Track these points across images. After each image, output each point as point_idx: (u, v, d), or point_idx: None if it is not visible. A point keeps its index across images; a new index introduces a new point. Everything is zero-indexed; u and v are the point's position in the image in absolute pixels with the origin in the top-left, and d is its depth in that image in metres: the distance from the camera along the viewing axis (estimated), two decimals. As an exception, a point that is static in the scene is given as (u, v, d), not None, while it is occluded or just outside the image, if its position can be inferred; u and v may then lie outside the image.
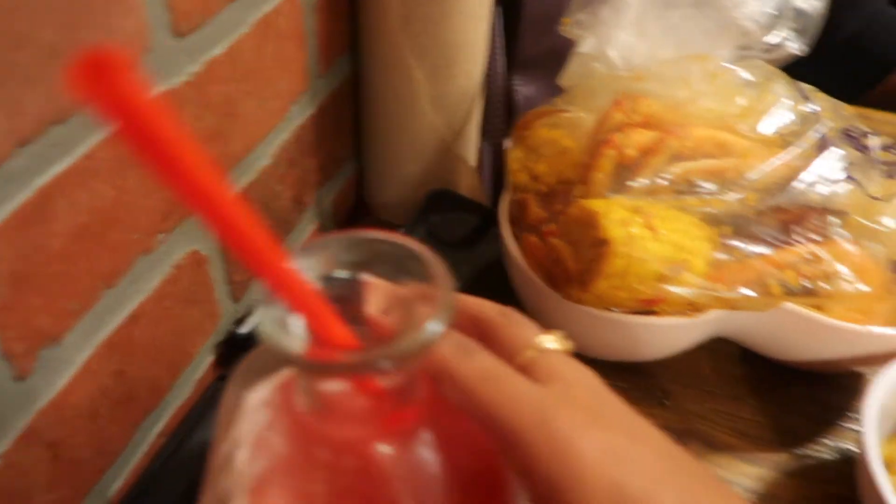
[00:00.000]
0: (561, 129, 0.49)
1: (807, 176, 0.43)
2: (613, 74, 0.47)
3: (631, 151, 0.44)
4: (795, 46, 0.44)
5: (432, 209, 0.62)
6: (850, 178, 0.43)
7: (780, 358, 0.50)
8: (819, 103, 0.47)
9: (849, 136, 0.44)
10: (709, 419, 0.50)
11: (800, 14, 0.43)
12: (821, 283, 0.43)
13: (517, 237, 0.49)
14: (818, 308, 0.45)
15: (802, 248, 0.42)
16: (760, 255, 0.43)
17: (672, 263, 0.42)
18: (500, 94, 0.59)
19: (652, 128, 0.46)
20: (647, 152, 0.45)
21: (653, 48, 0.48)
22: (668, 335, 0.46)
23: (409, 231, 0.59)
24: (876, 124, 0.50)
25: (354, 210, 0.67)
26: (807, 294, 0.44)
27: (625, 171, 0.45)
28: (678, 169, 0.45)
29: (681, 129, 0.45)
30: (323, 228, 0.62)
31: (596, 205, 0.43)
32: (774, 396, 0.52)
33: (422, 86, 0.55)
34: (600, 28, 0.49)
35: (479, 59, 0.57)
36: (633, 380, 0.52)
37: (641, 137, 0.45)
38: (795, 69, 0.46)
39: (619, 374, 0.52)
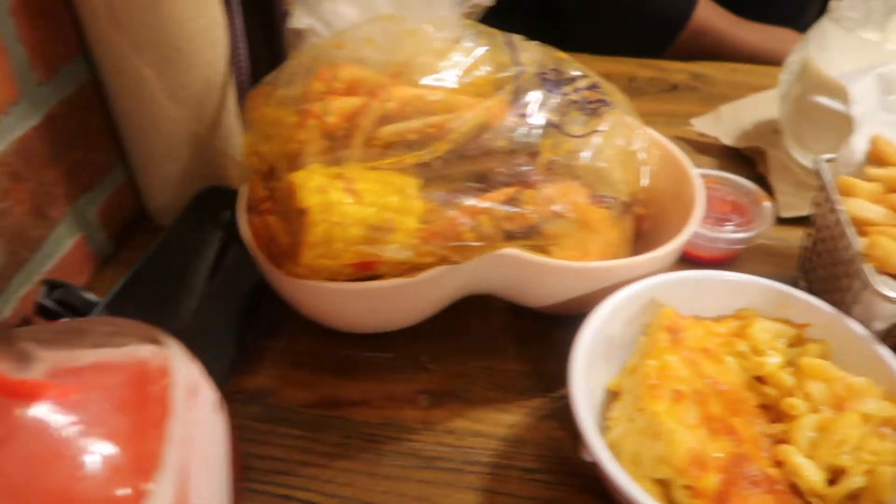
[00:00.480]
0: (285, 106, 0.48)
1: (505, 123, 0.44)
2: (320, 44, 0.47)
3: (333, 119, 0.44)
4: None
5: (202, 207, 0.61)
6: (549, 122, 0.44)
7: (529, 305, 0.50)
8: (526, 52, 0.48)
9: (545, 79, 0.45)
10: (471, 376, 0.50)
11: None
12: (533, 226, 0.44)
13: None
14: (540, 251, 0.46)
15: (501, 194, 0.43)
16: (465, 205, 0.43)
17: (377, 224, 0.42)
18: (248, 79, 0.58)
19: (356, 94, 0.46)
20: (352, 118, 0.45)
21: (366, 14, 0.48)
22: (399, 299, 0.45)
23: (175, 231, 0.58)
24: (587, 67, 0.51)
25: (134, 217, 0.65)
26: (523, 237, 0.44)
27: (336, 140, 0.45)
28: (388, 131, 0.45)
29: (383, 91, 0.45)
30: (90, 241, 0.59)
31: (296, 176, 0.43)
32: (536, 345, 0.52)
33: (152, 82, 0.53)
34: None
35: (220, 45, 0.56)
36: (398, 349, 0.52)
37: (344, 105, 0.45)
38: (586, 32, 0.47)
39: (384, 344, 0.52)
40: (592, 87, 0.48)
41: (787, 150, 0.68)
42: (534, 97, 0.44)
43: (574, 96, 0.47)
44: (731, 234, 0.56)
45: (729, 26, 0.92)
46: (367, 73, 0.46)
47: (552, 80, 0.45)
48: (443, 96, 0.46)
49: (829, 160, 0.51)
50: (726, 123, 0.74)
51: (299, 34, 0.49)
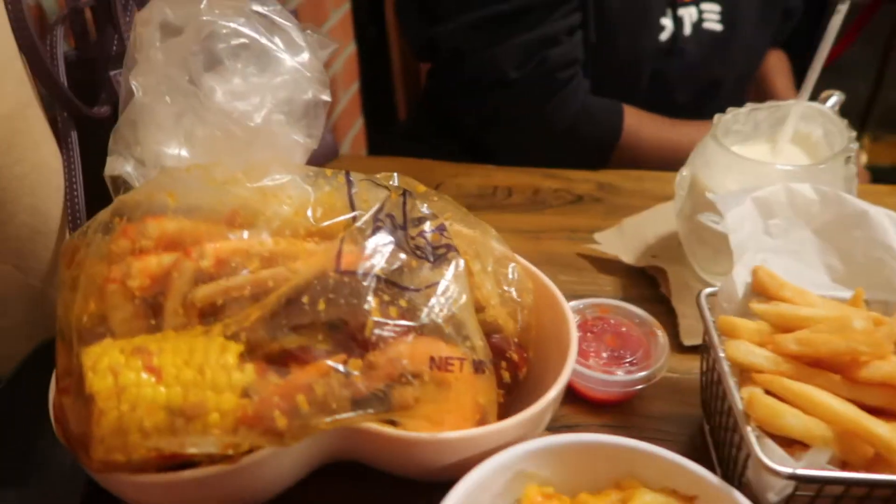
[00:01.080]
0: (93, 264, 0.42)
1: (329, 280, 0.39)
2: (126, 196, 0.42)
3: (137, 282, 0.39)
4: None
5: (42, 361, 0.54)
6: (381, 278, 0.39)
7: (390, 472, 0.44)
8: (371, 191, 0.43)
9: (380, 227, 0.40)
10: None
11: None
12: (375, 393, 0.38)
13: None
14: (391, 420, 0.40)
15: (333, 360, 0.37)
16: (286, 380, 0.37)
17: (183, 408, 0.36)
18: (83, 221, 0.52)
19: (169, 250, 0.40)
20: (162, 280, 0.39)
21: (192, 157, 0.44)
22: (220, 487, 0.39)
23: (10, 387, 0.51)
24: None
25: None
26: (364, 407, 0.38)
27: (147, 306, 0.40)
28: (203, 293, 0.40)
29: (197, 247, 0.40)
30: None
31: (87, 353, 0.37)
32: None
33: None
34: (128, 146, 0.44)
35: (46, 188, 0.50)
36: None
37: (149, 265, 0.39)
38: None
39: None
40: (439, 229, 0.43)
41: (690, 265, 0.64)
42: (370, 245, 0.40)
43: (419, 241, 0.42)
44: (625, 376, 0.50)
45: (657, 131, 0.91)
46: (181, 224, 0.41)
47: (390, 227, 0.40)
48: (267, 248, 0.41)
49: (710, 294, 0.47)
50: (629, 238, 0.70)
51: (117, 182, 0.44)
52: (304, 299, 0.37)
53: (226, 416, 0.37)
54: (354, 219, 0.41)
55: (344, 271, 0.38)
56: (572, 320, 0.47)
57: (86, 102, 0.53)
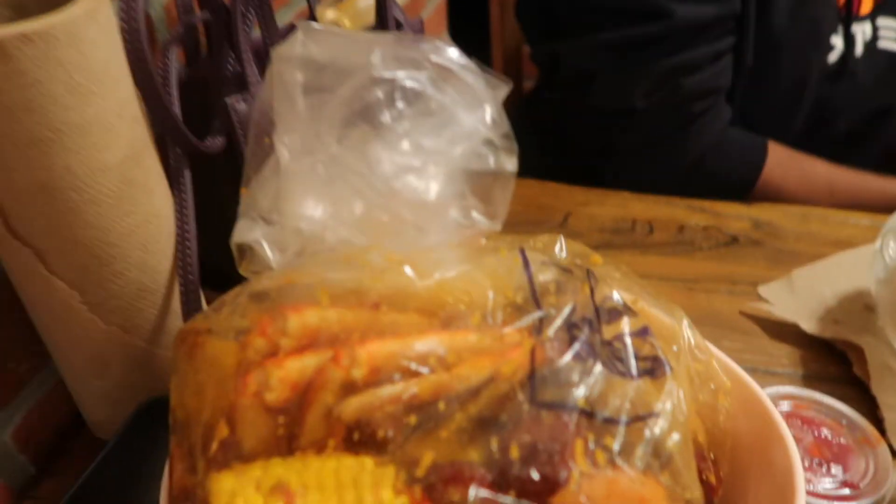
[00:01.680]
0: (219, 360, 0.35)
1: (519, 406, 0.30)
2: (262, 276, 0.34)
3: (275, 395, 0.31)
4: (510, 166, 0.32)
5: (146, 422, 0.48)
6: (581, 409, 0.30)
7: None
8: (545, 273, 0.35)
9: (576, 335, 0.32)
10: None
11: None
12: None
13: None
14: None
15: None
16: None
17: (333, 567, 0.29)
18: (197, 276, 0.45)
19: (313, 349, 0.33)
20: (305, 390, 0.32)
21: (339, 228, 0.36)
22: None
23: (115, 449, 0.46)
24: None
25: (65, 432, 0.52)
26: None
27: (284, 418, 0.32)
28: (353, 406, 0.32)
29: (346, 351, 0.32)
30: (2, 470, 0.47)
31: (218, 486, 0.30)
32: None
33: (66, 293, 0.41)
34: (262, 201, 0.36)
35: (159, 242, 0.44)
36: None
37: (290, 373, 0.32)
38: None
39: None
40: (642, 333, 0.34)
41: (889, 342, 0.53)
42: (568, 364, 0.31)
43: (616, 346, 0.33)
44: (835, 503, 0.41)
45: (807, 180, 0.79)
46: (328, 314, 0.33)
47: (587, 336, 0.32)
48: (437, 347, 0.33)
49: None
50: (802, 296, 0.60)
51: (246, 249, 0.36)
52: (493, 442, 0.29)
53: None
54: (542, 321, 0.33)
55: (542, 403, 0.29)
56: (791, 441, 0.37)
57: (195, 131, 0.46)
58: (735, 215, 0.71)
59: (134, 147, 0.40)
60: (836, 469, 0.43)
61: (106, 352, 0.45)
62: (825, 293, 0.60)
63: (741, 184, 0.80)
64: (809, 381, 0.52)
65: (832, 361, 0.54)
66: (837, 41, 0.78)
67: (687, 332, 0.40)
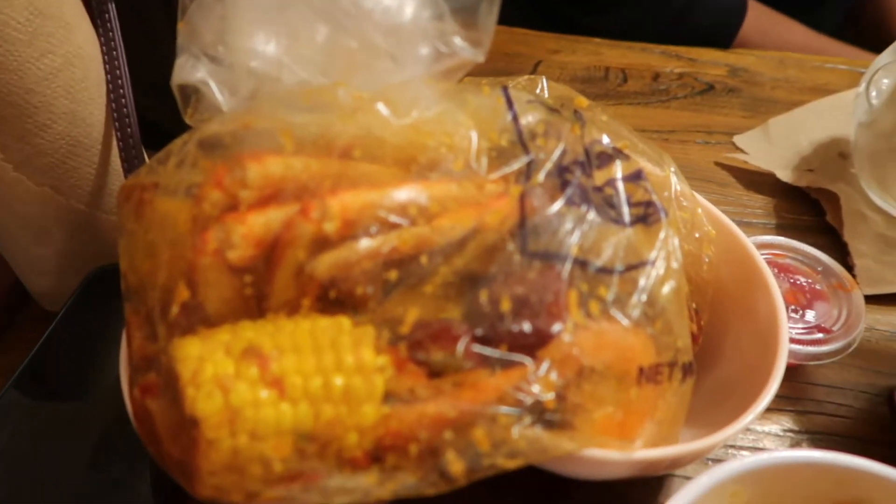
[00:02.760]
0: (189, 223, 0.31)
1: (509, 256, 0.28)
2: (212, 120, 0.30)
3: (238, 253, 0.28)
4: (470, 53, 0.28)
5: (95, 294, 0.45)
6: (575, 259, 0.28)
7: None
8: (531, 113, 0.31)
9: (567, 179, 0.29)
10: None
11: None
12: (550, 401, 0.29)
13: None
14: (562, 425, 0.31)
15: (517, 375, 0.27)
16: (457, 388, 0.28)
17: (313, 432, 0.27)
18: (136, 125, 0.40)
19: (277, 202, 0.29)
20: (271, 246, 0.29)
21: (297, 61, 0.31)
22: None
23: (65, 321, 0.43)
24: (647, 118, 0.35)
25: (9, 305, 0.48)
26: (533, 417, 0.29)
27: (248, 277, 0.29)
28: (326, 263, 0.29)
29: (317, 202, 0.28)
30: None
31: (184, 352, 0.27)
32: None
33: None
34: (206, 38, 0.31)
35: (88, 88, 0.38)
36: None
37: (253, 229, 0.28)
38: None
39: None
40: (634, 177, 0.31)
41: (863, 189, 0.52)
42: (560, 211, 0.28)
43: (607, 192, 0.31)
44: (814, 348, 0.41)
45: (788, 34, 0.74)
46: (288, 165, 0.29)
47: (579, 181, 0.29)
48: (418, 196, 0.30)
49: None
50: (779, 145, 0.58)
51: (190, 93, 0.32)
52: (483, 296, 0.27)
53: (366, 434, 0.28)
54: (529, 165, 0.30)
55: (533, 253, 0.27)
56: (776, 289, 0.37)
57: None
58: (711, 61, 0.67)
59: (43, -30, 0.33)
60: (810, 315, 0.43)
61: (41, 217, 0.40)
62: (801, 142, 0.58)
63: (719, 41, 0.76)
64: (784, 230, 0.52)
65: (806, 210, 0.54)
66: None
67: (674, 178, 0.38)
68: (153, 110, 0.41)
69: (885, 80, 0.49)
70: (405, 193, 0.30)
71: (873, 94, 0.50)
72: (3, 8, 0.32)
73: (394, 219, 0.29)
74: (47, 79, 0.35)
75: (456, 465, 0.26)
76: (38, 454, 0.37)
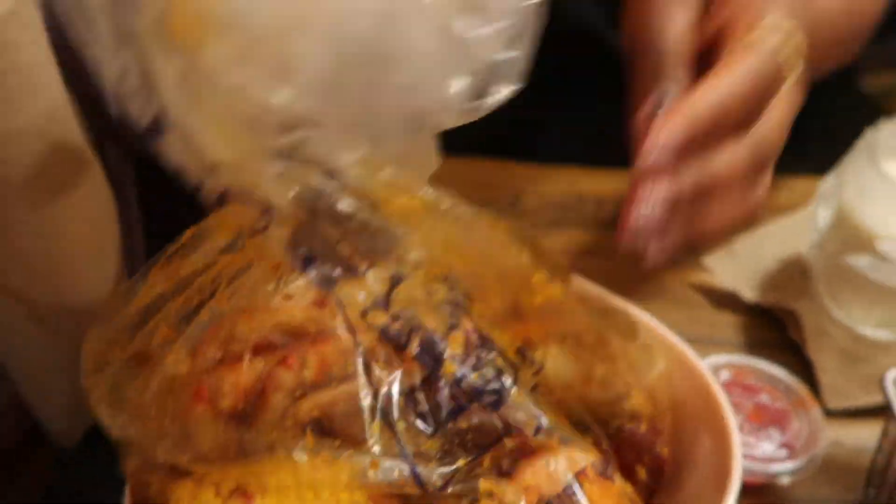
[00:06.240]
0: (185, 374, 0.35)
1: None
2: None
3: (229, 402, 0.32)
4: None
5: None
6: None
7: None
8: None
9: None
10: None
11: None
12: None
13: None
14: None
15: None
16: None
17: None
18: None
19: (268, 352, 0.33)
20: (256, 394, 0.32)
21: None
22: None
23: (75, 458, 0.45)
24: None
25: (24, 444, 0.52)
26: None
27: (239, 421, 0.33)
28: (308, 406, 0.33)
29: (297, 354, 0.32)
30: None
31: (178, 494, 0.30)
32: None
33: (12, 308, 0.41)
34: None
35: (110, 247, 0.43)
36: None
37: (242, 378, 0.32)
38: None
39: None
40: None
41: (825, 308, 0.56)
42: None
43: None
44: (779, 466, 0.43)
45: None
46: (280, 316, 0.34)
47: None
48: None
49: (899, 379, 0.39)
50: (745, 264, 0.62)
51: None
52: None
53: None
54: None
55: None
56: (727, 406, 0.39)
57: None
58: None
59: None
60: (774, 433, 0.45)
61: (58, 363, 0.44)
62: (765, 259, 0.62)
63: None
64: (751, 347, 0.55)
65: (772, 327, 0.57)
66: None
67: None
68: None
69: (830, 204, 0.53)
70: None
71: (822, 216, 0.55)
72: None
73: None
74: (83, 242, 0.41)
75: None
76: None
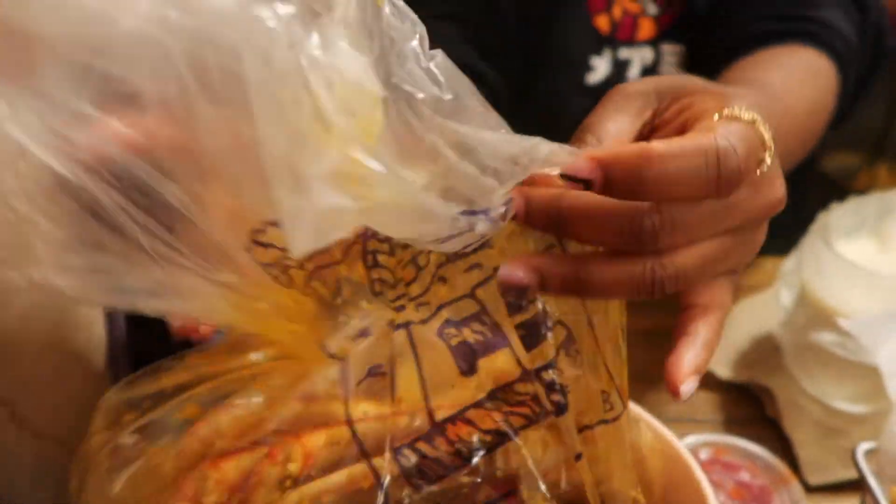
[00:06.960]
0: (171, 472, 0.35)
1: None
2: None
3: (213, 498, 0.32)
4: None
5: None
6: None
7: None
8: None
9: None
10: None
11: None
12: None
13: None
14: None
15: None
16: None
17: None
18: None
19: (252, 447, 0.34)
20: (240, 487, 0.33)
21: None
22: None
23: None
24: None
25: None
26: None
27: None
28: (293, 500, 0.33)
29: (281, 447, 0.33)
30: None
31: None
32: None
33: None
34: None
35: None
36: None
37: (226, 475, 0.32)
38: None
39: None
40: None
41: (798, 383, 0.57)
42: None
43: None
44: (759, 544, 0.44)
45: None
46: (263, 411, 0.34)
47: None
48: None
49: (868, 451, 0.40)
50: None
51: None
52: None
53: None
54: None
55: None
56: (707, 486, 0.40)
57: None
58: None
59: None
60: (756, 510, 0.46)
61: (43, 469, 0.44)
62: (738, 337, 0.64)
63: None
64: (729, 424, 0.56)
65: (748, 404, 0.58)
66: (601, 63, 0.81)
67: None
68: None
69: (792, 284, 0.56)
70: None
71: (785, 295, 0.57)
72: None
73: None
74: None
75: None
76: None
